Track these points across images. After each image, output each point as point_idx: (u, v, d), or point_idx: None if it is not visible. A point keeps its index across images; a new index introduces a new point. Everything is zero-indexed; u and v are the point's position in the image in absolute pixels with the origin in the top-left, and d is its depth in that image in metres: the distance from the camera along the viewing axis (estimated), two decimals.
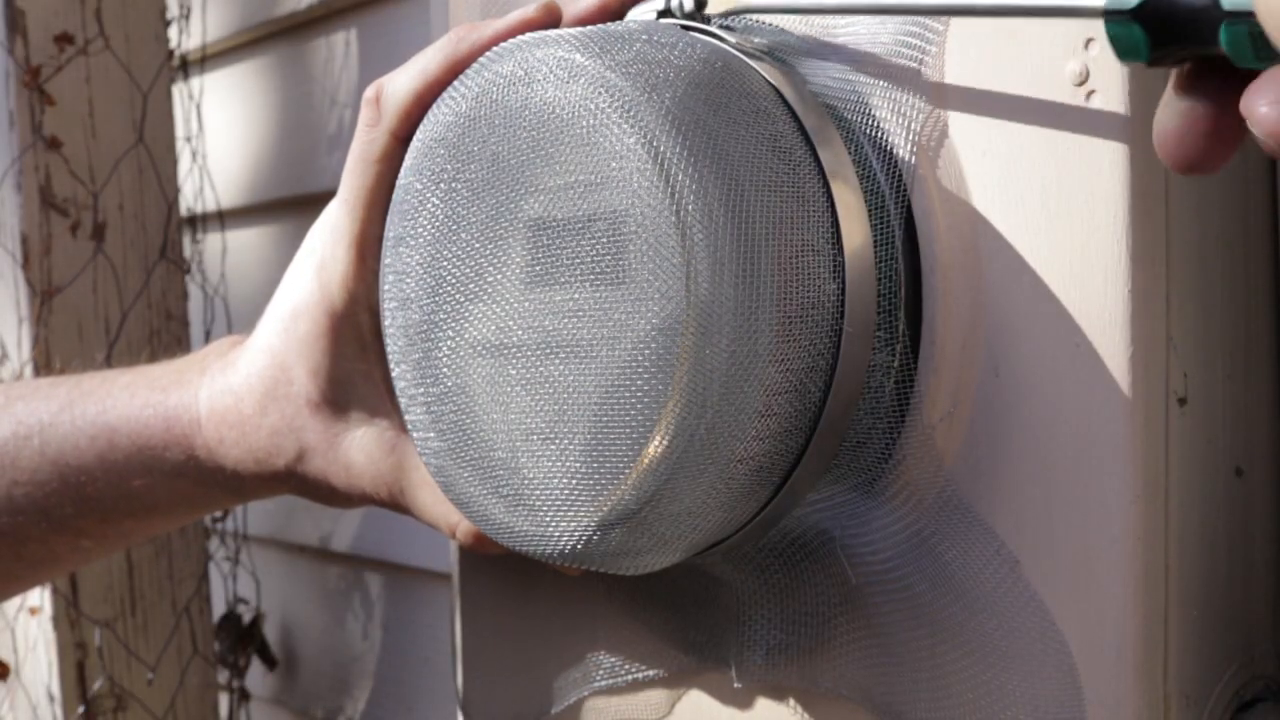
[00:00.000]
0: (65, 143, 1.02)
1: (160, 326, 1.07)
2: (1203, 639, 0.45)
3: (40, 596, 1.02)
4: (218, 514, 1.14)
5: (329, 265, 0.55)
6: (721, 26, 0.51)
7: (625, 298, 0.44)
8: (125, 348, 1.04)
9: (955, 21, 0.46)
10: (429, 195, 0.49)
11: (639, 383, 0.44)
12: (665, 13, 0.52)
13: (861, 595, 0.49)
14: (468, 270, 0.48)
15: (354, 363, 0.56)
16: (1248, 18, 0.30)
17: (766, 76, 0.48)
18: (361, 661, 1.05)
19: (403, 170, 0.51)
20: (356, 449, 0.56)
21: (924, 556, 0.47)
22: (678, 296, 0.43)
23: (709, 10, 0.52)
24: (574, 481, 0.46)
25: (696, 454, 0.44)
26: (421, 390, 0.50)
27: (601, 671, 0.58)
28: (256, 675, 1.15)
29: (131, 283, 1.05)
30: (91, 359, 1.02)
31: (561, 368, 0.46)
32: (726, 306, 0.43)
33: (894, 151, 0.47)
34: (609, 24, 0.50)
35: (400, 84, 0.53)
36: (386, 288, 0.51)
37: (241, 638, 1.12)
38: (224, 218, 1.16)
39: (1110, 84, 0.42)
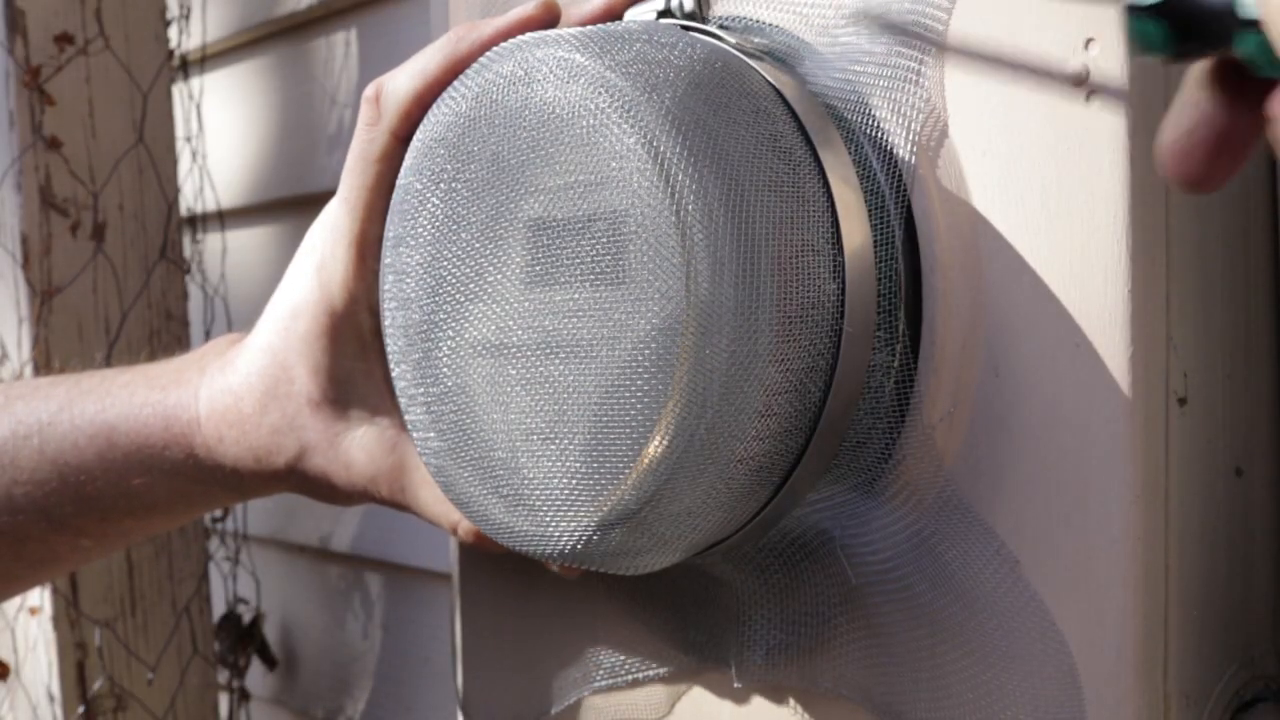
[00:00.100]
0: (65, 143, 1.02)
1: (160, 326, 1.07)
2: (1203, 639, 0.45)
3: (40, 596, 1.02)
4: (218, 514, 1.14)
5: (329, 265, 0.55)
6: (721, 26, 0.51)
7: (625, 298, 0.44)
8: (125, 348, 1.04)
9: (955, 22, 0.46)
10: (429, 195, 0.49)
11: (639, 383, 0.44)
12: (665, 13, 0.52)
13: (861, 595, 0.49)
14: (468, 270, 0.48)
15: (354, 361, 0.56)
16: (1258, 27, 0.29)
17: (766, 76, 0.48)
18: (361, 661, 1.05)
19: (403, 170, 0.51)
20: (357, 447, 0.56)
21: (924, 556, 0.47)
22: (678, 296, 0.43)
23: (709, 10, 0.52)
24: (574, 481, 0.46)
25: (696, 454, 0.43)
26: (421, 390, 0.50)
27: (601, 671, 0.58)
28: (256, 675, 1.15)
29: (131, 283, 1.05)
30: (91, 359, 1.02)
31: (561, 368, 0.46)
32: (726, 306, 0.43)
33: (894, 151, 0.47)
34: (609, 24, 0.50)
35: (400, 83, 0.53)
36: (386, 288, 0.51)
37: (241, 638, 1.12)
38: (224, 218, 1.16)
39: (1110, 84, 0.42)
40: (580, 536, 0.46)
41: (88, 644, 1.03)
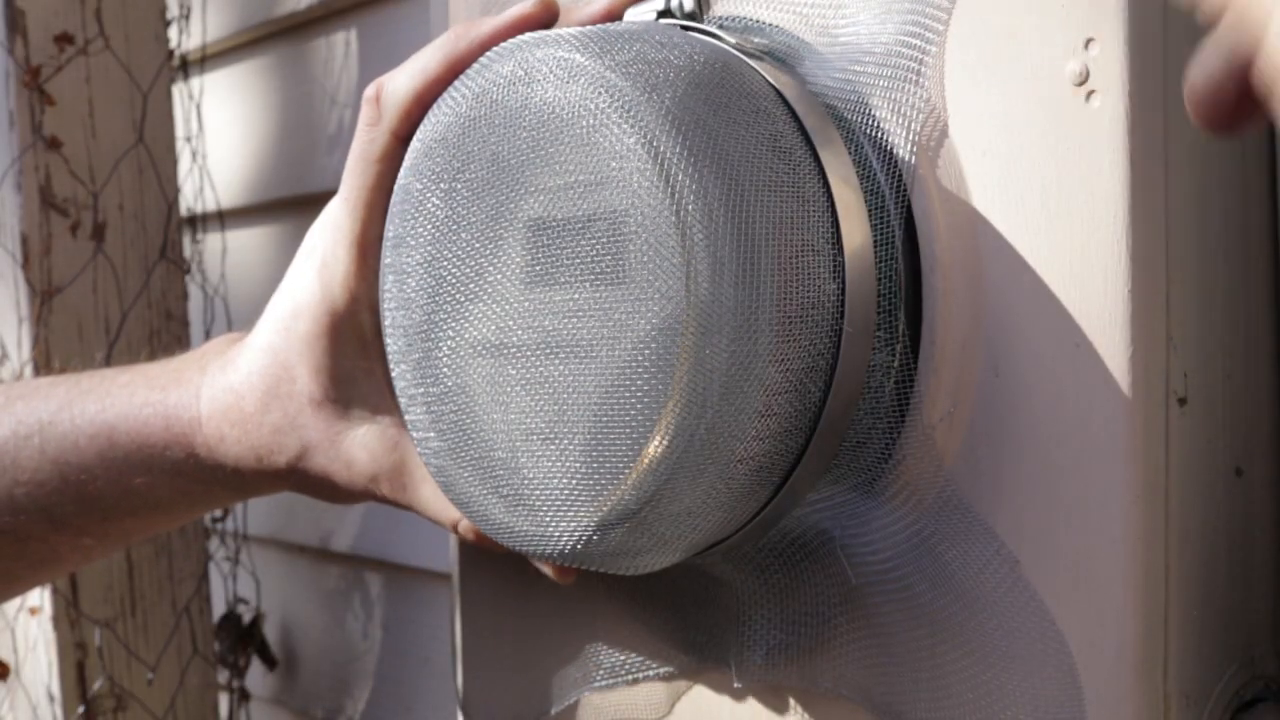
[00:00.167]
0: (65, 143, 1.02)
1: (160, 326, 1.07)
2: (1203, 639, 0.45)
3: (40, 596, 1.02)
4: (218, 514, 1.14)
5: (330, 265, 0.55)
6: (721, 26, 0.51)
7: (625, 298, 0.44)
8: (125, 348, 1.04)
9: (955, 22, 0.46)
10: (429, 195, 0.49)
11: (639, 383, 0.44)
12: (665, 13, 0.52)
13: (861, 595, 0.49)
14: (468, 270, 0.48)
15: (355, 361, 0.56)
16: None
17: (766, 76, 0.48)
18: (361, 661, 1.05)
19: (403, 170, 0.51)
20: (358, 446, 0.56)
21: (924, 556, 0.47)
22: (678, 296, 0.43)
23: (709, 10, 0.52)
24: (574, 481, 0.46)
25: (696, 454, 0.44)
26: (421, 390, 0.50)
27: (601, 671, 0.58)
28: (256, 675, 1.15)
29: (131, 283, 1.05)
30: (91, 359, 1.02)
31: (561, 368, 0.46)
32: (726, 306, 0.43)
33: (894, 151, 0.47)
34: (609, 24, 0.50)
35: (400, 83, 0.53)
36: (386, 288, 0.51)
37: (241, 638, 1.12)
38: (224, 218, 1.16)
39: (1110, 84, 0.42)
40: (580, 536, 0.46)
41: (88, 644, 1.03)
